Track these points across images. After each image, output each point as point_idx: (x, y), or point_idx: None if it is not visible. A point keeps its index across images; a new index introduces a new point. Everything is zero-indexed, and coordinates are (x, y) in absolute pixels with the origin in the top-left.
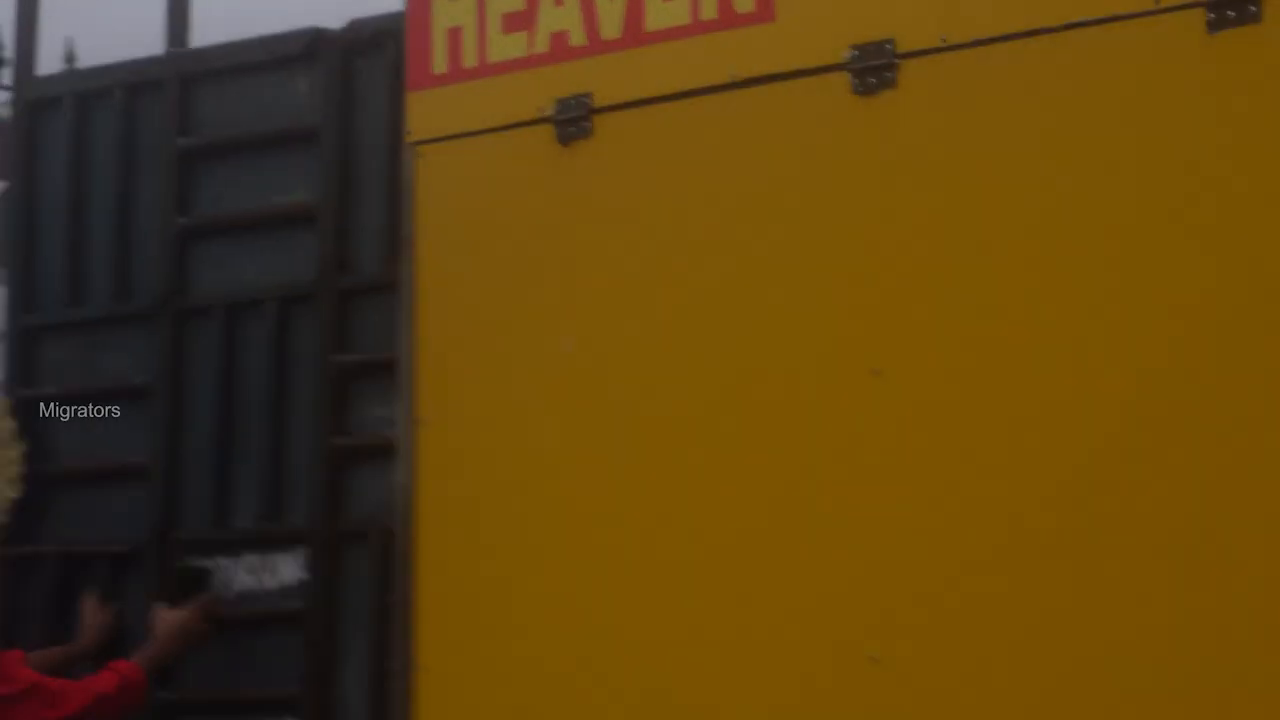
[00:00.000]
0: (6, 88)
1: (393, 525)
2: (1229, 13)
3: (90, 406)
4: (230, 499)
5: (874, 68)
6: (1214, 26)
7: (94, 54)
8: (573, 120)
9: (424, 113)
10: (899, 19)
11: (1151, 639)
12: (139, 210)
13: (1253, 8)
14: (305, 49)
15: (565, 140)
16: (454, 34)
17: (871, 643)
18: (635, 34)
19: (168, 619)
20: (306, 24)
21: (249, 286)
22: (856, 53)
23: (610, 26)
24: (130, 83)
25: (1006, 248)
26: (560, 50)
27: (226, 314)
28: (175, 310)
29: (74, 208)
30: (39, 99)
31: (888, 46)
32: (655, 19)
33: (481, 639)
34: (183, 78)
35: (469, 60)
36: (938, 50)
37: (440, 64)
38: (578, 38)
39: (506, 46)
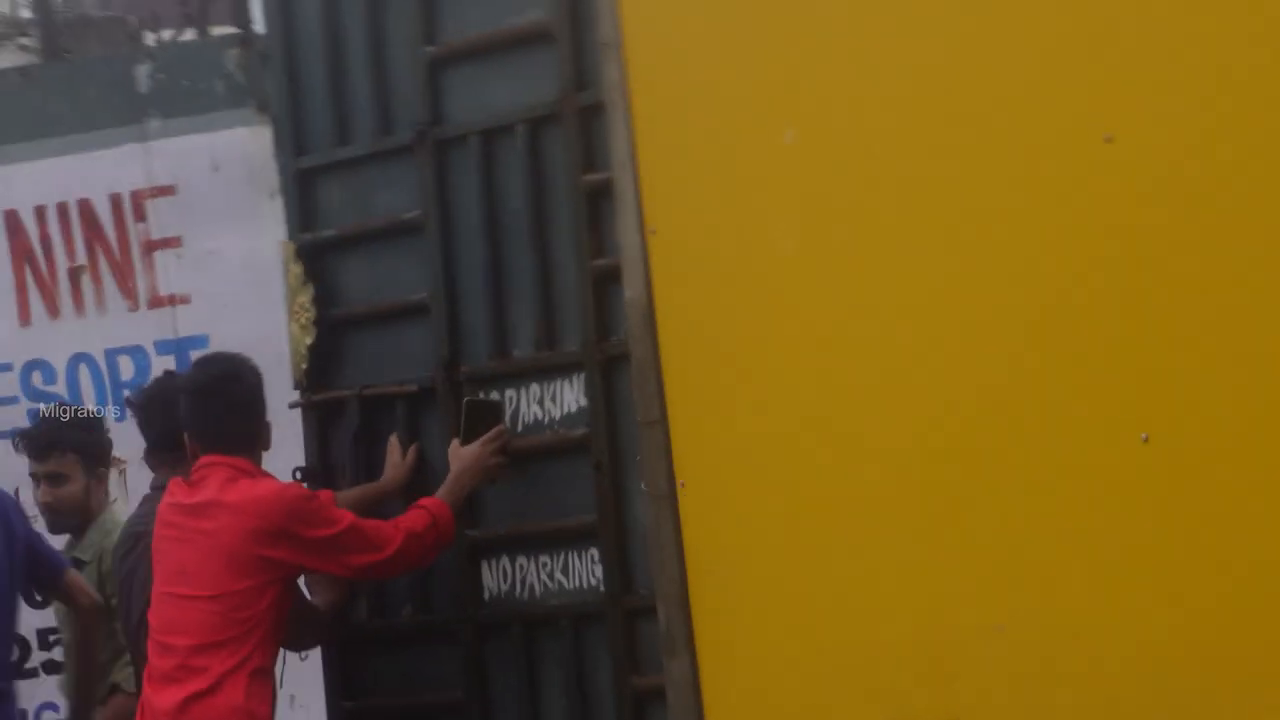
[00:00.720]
0: None
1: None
2: None
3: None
4: (508, 329)
5: None
6: None
7: None
8: None
9: None
10: None
11: None
12: (390, 43)
13: None
14: None
15: None
16: None
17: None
18: None
19: (463, 455)
20: None
21: (500, 111)
22: None
23: None
24: None
25: None
26: None
27: (481, 140)
28: (434, 141)
29: (329, 47)
30: None
31: None
32: None
33: (737, 450)
34: None
35: None
36: None
37: None
38: None
39: None
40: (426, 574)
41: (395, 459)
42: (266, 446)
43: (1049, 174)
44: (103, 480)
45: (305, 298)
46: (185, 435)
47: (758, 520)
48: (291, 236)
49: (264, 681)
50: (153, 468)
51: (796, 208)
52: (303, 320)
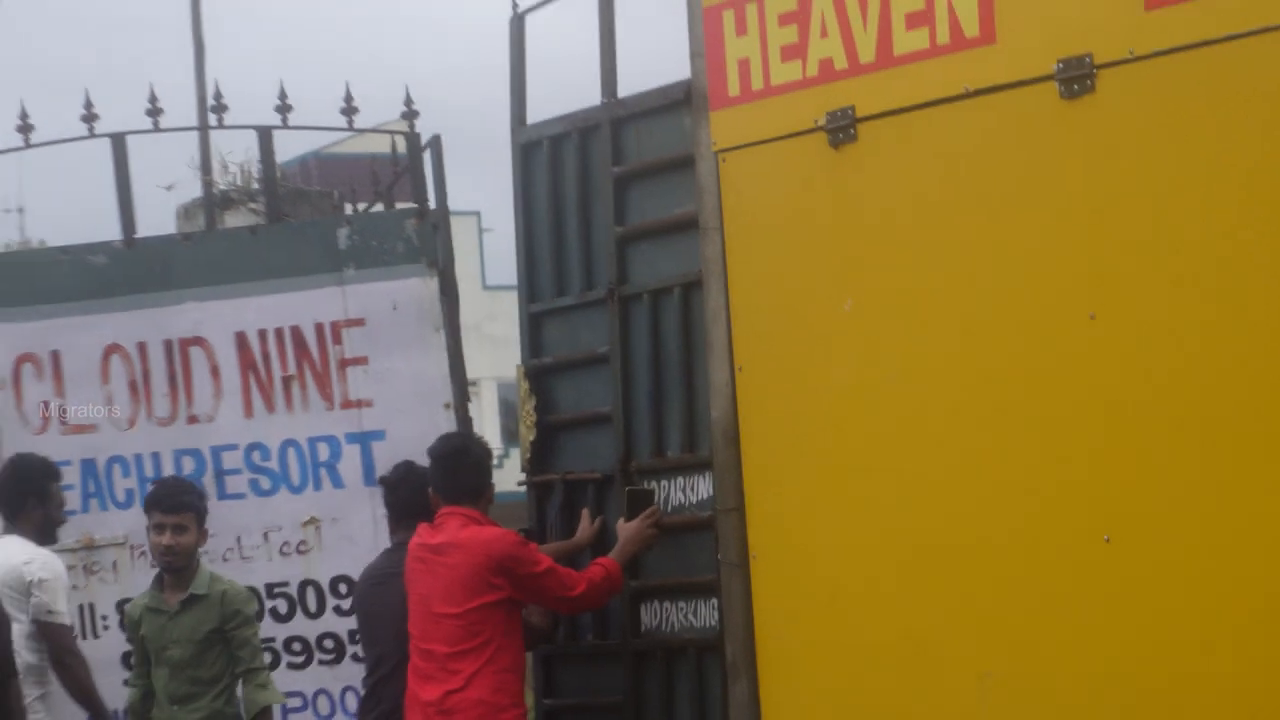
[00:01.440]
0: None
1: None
2: None
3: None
4: (664, 435)
5: (1077, 76)
6: None
7: (558, 106)
8: (841, 128)
9: (724, 127)
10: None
11: None
12: (594, 226)
13: None
14: (687, 94)
15: (836, 145)
16: (743, 64)
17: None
18: (887, 57)
19: (628, 528)
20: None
21: (665, 276)
22: (1061, 65)
23: (866, 52)
24: (582, 127)
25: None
26: (828, 73)
27: (651, 298)
28: (620, 297)
29: (553, 228)
30: (527, 142)
31: (1087, 60)
32: (901, 45)
33: (800, 531)
34: (613, 121)
35: (756, 84)
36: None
37: (734, 88)
38: (841, 63)
39: (785, 72)
40: (603, 611)
41: (585, 524)
42: (490, 501)
43: (1044, 338)
44: (204, 536)
45: (530, 406)
46: (430, 489)
47: (809, 585)
48: (523, 361)
49: (505, 678)
50: (395, 530)
51: (851, 356)
52: (528, 422)
